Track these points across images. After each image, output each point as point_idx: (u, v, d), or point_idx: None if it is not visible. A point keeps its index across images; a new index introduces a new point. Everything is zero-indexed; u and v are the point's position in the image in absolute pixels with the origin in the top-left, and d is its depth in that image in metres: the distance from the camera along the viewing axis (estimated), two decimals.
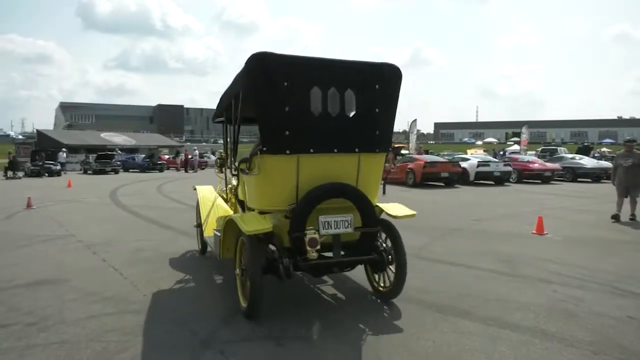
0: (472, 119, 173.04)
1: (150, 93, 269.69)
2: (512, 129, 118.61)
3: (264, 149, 5.38)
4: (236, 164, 6.49)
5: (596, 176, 26.72)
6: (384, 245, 6.14)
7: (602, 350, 4.68)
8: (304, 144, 5.47)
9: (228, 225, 6.04)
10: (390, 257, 6.00)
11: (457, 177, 23.96)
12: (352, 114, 5.67)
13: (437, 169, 23.55)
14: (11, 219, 13.38)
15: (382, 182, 25.01)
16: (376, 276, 6.43)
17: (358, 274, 6.85)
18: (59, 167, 37.88)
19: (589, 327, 5.24)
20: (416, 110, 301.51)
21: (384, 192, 18.72)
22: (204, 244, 8.62)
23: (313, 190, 5.43)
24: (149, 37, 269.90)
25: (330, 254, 5.66)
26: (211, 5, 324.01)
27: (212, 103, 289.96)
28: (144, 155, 48.72)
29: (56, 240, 10.17)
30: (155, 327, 5.21)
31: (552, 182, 25.95)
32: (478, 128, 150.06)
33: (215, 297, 6.27)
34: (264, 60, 5.29)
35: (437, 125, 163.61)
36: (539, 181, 25.83)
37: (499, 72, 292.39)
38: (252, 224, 5.39)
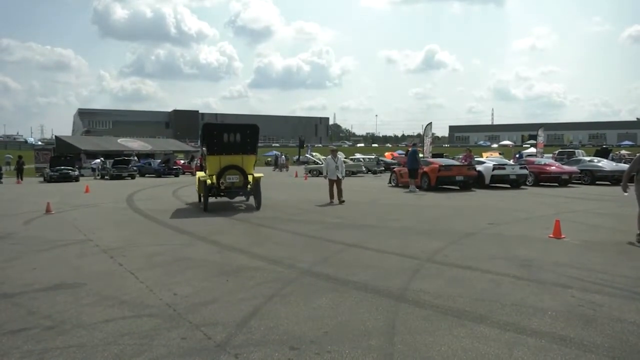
0: (488, 122, 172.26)
1: (165, 99, 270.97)
2: (528, 131, 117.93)
3: (207, 153, 16.74)
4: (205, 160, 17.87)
5: (615, 179, 26.36)
6: (251, 186, 16.80)
7: (621, 356, 4.61)
8: (221, 151, 16.54)
9: (199, 180, 17.64)
10: (256, 194, 16.91)
11: (473, 181, 23.82)
12: (239, 141, 16.70)
13: (452, 172, 23.41)
14: (31, 224, 13.55)
15: (398, 184, 25.00)
16: (254, 201, 17.06)
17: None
18: (76, 173, 38.31)
19: (608, 332, 5.17)
20: (431, 114, 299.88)
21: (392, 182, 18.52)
22: (199, 197, 18.65)
23: (224, 167, 16.38)
24: (164, 43, 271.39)
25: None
26: (225, 11, 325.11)
27: (226, 108, 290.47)
28: (159, 161, 49.06)
29: (74, 245, 10.28)
30: (170, 331, 5.24)
31: (570, 185, 25.70)
32: (493, 131, 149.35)
33: (230, 301, 6.28)
34: (208, 125, 17.28)
35: (452, 129, 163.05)
36: (556, 184, 25.59)
37: (515, 75, 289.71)
38: (204, 177, 17.12)
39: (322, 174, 20.19)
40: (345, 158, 43.06)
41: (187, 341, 4.98)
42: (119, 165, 41.70)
